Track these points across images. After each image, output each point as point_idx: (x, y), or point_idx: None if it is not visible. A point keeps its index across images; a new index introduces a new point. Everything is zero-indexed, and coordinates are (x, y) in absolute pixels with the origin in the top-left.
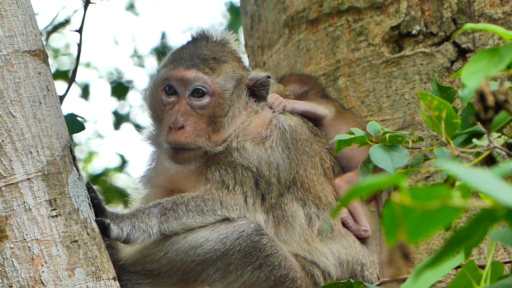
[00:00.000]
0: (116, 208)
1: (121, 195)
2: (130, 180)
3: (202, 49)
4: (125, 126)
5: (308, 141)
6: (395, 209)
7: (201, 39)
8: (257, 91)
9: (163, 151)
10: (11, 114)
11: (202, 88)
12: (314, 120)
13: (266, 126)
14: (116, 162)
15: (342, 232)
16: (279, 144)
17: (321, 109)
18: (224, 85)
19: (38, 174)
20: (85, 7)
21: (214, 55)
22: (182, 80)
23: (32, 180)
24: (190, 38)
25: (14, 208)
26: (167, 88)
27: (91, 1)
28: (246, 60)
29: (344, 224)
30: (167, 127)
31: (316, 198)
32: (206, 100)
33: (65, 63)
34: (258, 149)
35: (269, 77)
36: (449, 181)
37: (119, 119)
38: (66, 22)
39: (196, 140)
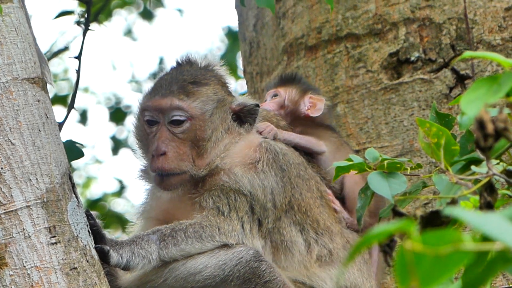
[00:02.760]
0: (115, 233)
1: (120, 220)
2: (128, 205)
3: (183, 74)
4: (124, 151)
5: (302, 165)
6: (407, 255)
7: (185, 64)
8: (243, 118)
9: (151, 179)
10: (10, 141)
11: (179, 115)
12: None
13: (254, 149)
14: (114, 187)
15: (340, 256)
16: (271, 167)
17: (318, 145)
18: (203, 107)
19: (37, 201)
20: (84, 34)
21: (194, 79)
22: (158, 109)
23: (31, 207)
24: (175, 64)
25: (14, 235)
26: (147, 117)
27: (89, 28)
28: (245, 87)
29: (338, 215)
30: (150, 155)
31: (314, 222)
32: (186, 125)
33: (64, 88)
34: (249, 173)
35: (257, 105)
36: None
37: (117, 144)
38: (65, 48)
39: (180, 164)
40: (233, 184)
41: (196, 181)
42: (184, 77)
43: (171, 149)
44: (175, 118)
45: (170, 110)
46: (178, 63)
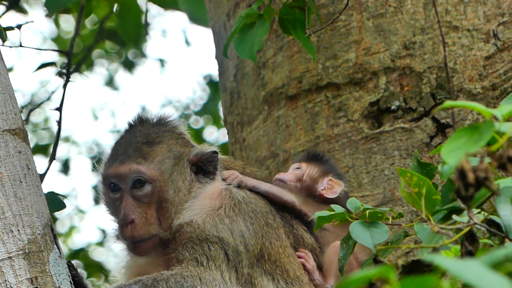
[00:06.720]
0: (97, 282)
1: (103, 270)
2: (111, 254)
3: (136, 136)
4: None
5: (270, 213)
6: None
7: (137, 124)
8: (204, 167)
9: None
10: None
11: (140, 178)
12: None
13: (216, 196)
14: (97, 236)
15: None
16: (237, 213)
17: (288, 195)
18: (161, 167)
19: (19, 252)
20: (65, 85)
21: (147, 139)
22: (118, 176)
23: (13, 258)
24: (127, 126)
25: None
26: (111, 185)
27: (70, 80)
28: (226, 137)
29: (309, 276)
30: (119, 223)
31: (284, 272)
32: (147, 188)
33: (44, 137)
34: (211, 219)
35: (215, 152)
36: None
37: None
38: (47, 99)
39: (149, 229)
40: (198, 234)
41: (167, 240)
42: (137, 139)
43: (138, 215)
44: (135, 181)
45: (129, 176)
46: (130, 124)
